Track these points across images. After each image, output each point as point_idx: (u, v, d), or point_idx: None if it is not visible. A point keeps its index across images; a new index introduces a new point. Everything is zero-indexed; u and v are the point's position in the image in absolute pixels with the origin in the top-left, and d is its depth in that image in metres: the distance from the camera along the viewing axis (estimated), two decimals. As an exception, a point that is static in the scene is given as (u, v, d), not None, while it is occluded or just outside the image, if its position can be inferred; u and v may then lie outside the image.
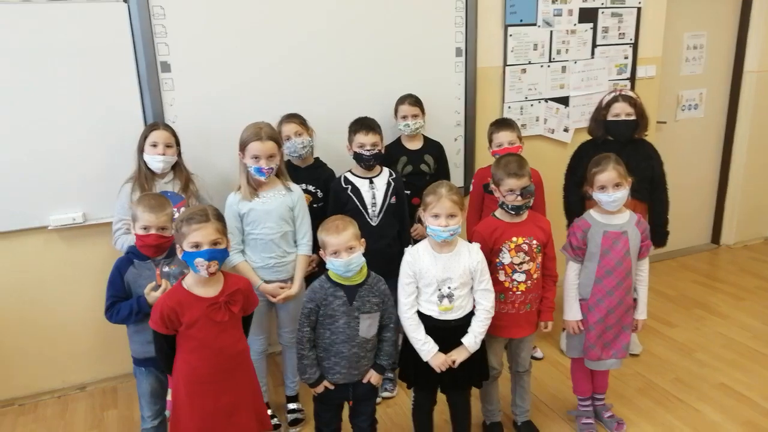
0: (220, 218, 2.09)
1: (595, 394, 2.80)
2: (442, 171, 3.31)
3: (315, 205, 3.00)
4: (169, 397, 2.72)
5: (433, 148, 3.29)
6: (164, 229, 2.27)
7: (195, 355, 2.06)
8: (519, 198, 2.39)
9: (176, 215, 2.32)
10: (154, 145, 2.71)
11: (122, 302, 2.29)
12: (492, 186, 2.51)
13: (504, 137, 3.01)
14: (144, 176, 2.73)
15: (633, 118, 3.09)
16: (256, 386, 2.27)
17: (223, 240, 2.06)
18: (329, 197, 2.95)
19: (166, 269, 2.29)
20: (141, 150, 2.74)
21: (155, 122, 2.86)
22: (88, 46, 2.85)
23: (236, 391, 2.14)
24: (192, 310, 2.02)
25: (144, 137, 2.73)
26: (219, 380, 2.09)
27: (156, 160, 2.71)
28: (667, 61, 4.36)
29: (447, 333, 2.34)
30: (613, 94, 3.18)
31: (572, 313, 2.61)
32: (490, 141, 3.09)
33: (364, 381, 2.32)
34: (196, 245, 1.99)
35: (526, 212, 2.48)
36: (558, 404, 2.98)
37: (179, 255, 2.05)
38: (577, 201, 3.20)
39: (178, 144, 2.82)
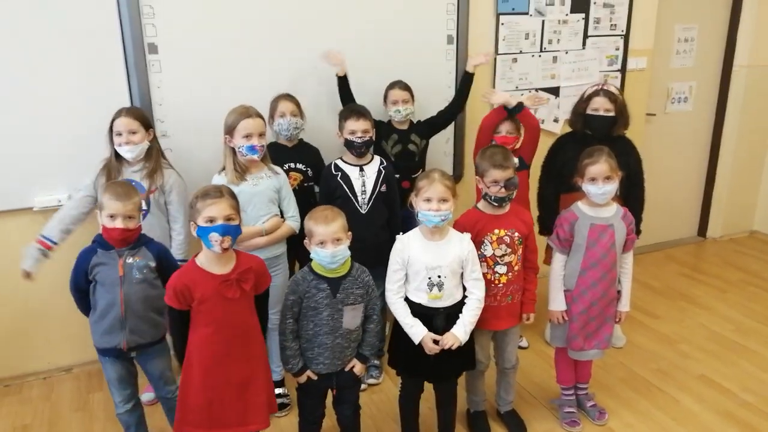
0: (233, 196, 2.14)
1: (578, 384, 2.84)
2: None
3: (306, 184, 2.99)
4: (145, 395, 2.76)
5: (419, 126, 3.27)
6: (131, 218, 2.23)
7: (207, 330, 2.09)
8: (503, 189, 2.40)
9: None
10: (119, 134, 2.64)
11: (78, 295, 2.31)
12: (476, 177, 2.52)
13: (504, 127, 3.03)
14: (112, 164, 2.68)
15: (612, 114, 3.03)
16: (267, 365, 2.29)
17: (236, 217, 2.10)
18: (320, 183, 2.93)
19: (129, 260, 2.26)
20: (111, 137, 2.67)
21: (121, 108, 2.71)
22: (75, 26, 2.81)
23: (249, 368, 2.17)
24: (204, 286, 2.06)
25: (110, 126, 2.66)
26: (232, 356, 2.12)
27: (122, 150, 2.65)
28: (658, 53, 4.36)
29: (437, 320, 2.34)
30: (595, 88, 3.13)
31: (556, 303, 2.63)
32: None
33: (347, 369, 2.33)
34: (211, 220, 2.03)
35: (508, 204, 2.49)
36: (541, 393, 3.02)
37: (193, 232, 2.08)
38: (550, 194, 3.18)
39: (148, 127, 2.73)
